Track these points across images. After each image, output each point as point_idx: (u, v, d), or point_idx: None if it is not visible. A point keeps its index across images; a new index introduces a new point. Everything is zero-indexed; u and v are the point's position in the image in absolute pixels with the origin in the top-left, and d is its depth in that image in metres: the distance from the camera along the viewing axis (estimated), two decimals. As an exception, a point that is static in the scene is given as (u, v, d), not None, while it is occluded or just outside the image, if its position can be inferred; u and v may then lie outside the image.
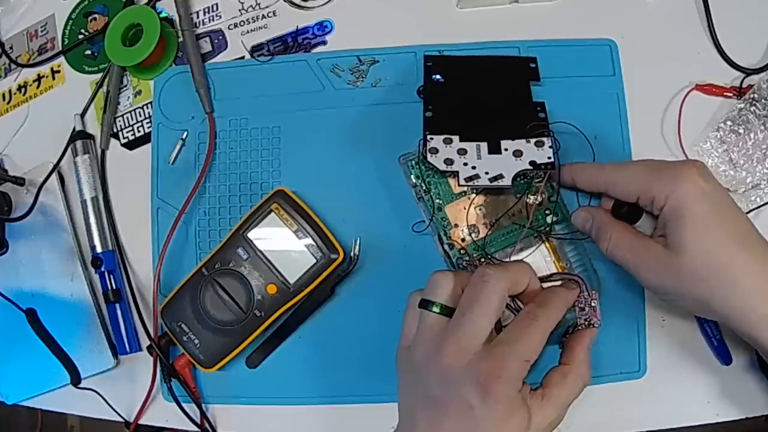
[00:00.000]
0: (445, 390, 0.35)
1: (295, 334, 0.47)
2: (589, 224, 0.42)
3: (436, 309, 0.37)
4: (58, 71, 0.57)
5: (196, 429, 0.47)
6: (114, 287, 0.50)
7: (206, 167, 0.49)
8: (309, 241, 0.45)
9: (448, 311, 0.37)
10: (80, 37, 0.57)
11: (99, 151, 0.53)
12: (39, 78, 0.57)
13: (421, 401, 0.36)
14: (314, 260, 0.45)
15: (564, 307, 0.39)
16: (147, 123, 0.53)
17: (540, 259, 0.44)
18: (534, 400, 0.36)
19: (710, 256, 0.35)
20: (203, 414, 0.47)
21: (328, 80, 0.50)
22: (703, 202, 0.35)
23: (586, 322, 0.40)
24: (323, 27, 0.52)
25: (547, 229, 0.44)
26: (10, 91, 0.58)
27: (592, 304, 0.40)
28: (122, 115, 0.54)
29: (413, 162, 0.45)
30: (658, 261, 0.37)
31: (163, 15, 0.55)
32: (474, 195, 0.44)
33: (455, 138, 0.42)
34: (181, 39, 0.53)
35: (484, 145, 0.42)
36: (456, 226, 0.44)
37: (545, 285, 0.41)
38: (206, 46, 0.53)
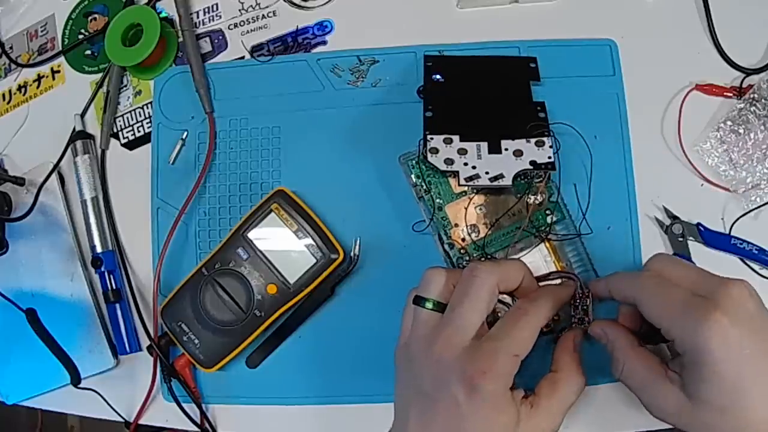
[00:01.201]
0: (436, 385, 0.35)
1: (295, 334, 0.47)
2: (604, 340, 0.38)
3: (429, 305, 0.37)
4: (58, 71, 0.57)
5: (196, 429, 0.47)
6: (114, 287, 0.50)
7: (206, 167, 0.49)
8: (309, 241, 0.45)
9: (441, 307, 0.37)
10: (80, 37, 0.57)
11: (99, 151, 0.53)
12: (39, 78, 0.57)
13: (414, 397, 0.36)
14: (314, 260, 0.45)
15: (555, 303, 0.38)
16: (147, 123, 0.53)
17: (539, 258, 0.44)
18: (523, 408, 0.35)
19: (730, 416, 0.31)
20: (203, 414, 0.47)
21: (328, 80, 0.50)
22: (728, 360, 0.31)
23: (579, 322, 0.40)
24: (323, 27, 0.52)
25: (547, 229, 0.44)
26: (10, 91, 0.58)
27: (586, 303, 0.40)
28: (122, 115, 0.54)
29: (413, 162, 0.45)
30: (671, 403, 0.34)
31: (163, 15, 0.55)
32: (474, 195, 0.44)
33: (455, 138, 0.42)
34: (181, 39, 0.53)
35: (484, 145, 0.42)
36: (456, 225, 0.44)
37: (542, 284, 0.41)
38: (206, 46, 0.53)
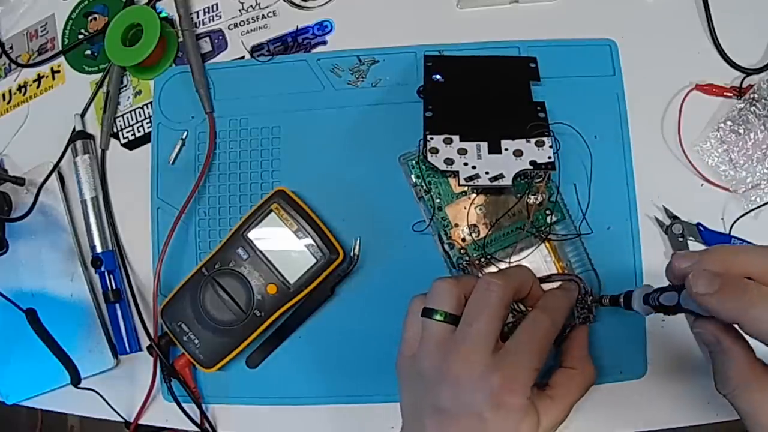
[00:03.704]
0: (456, 402, 0.34)
1: (295, 334, 0.47)
2: (714, 348, 0.33)
3: (439, 317, 0.37)
4: (58, 71, 0.57)
5: (196, 429, 0.47)
6: (114, 287, 0.50)
7: (206, 167, 0.49)
8: (309, 241, 0.45)
9: (451, 318, 0.37)
10: (80, 37, 0.57)
11: (99, 151, 0.53)
12: (39, 78, 0.57)
13: (429, 412, 0.36)
14: (314, 260, 0.45)
15: (567, 310, 0.39)
16: (147, 123, 0.53)
17: (540, 259, 0.44)
18: (542, 402, 0.36)
19: None
20: (203, 414, 0.47)
21: (328, 80, 0.50)
22: None
23: (584, 321, 0.40)
24: (323, 27, 0.52)
25: (547, 229, 0.44)
26: (10, 91, 0.58)
27: (589, 303, 0.40)
28: (122, 115, 0.54)
29: (413, 162, 0.45)
30: None
31: (163, 15, 0.55)
32: (474, 195, 0.44)
33: (455, 138, 0.42)
34: (181, 39, 0.53)
35: (484, 145, 0.42)
36: (456, 225, 0.44)
37: (544, 286, 0.41)
38: (206, 46, 0.53)
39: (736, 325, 0.30)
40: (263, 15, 0.53)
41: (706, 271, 0.30)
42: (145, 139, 0.53)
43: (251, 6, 0.54)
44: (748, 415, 0.31)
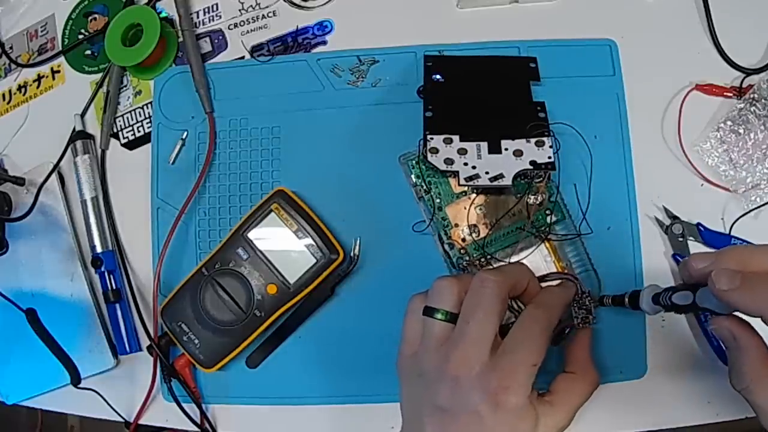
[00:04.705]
0: (455, 401, 0.34)
1: (295, 334, 0.47)
2: (730, 344, 0.33)
3: (440, 316, 0.36)
4: (58, 71, 0.57)
5: (196, 429, 0.47)
6: (114, 287, 0.50)
7: (206, 167, 0.49)
8: (309, 241, 0.45)
9: (452, 317, 0.36)
10: (80, 37, 0.57)
11: (99, 151, 0.53)
12: (39, 78, 0.57)
13: (429, 411, 0.36)
14: (314, 260, 0.45)
15: (563, 306, 0.39)
16: (147, 123, 0.53)
17: (540, 259, 0.44)
18: (542, 406, 0.35)
19: None
20: (203, 414, 0.47)
21: (328, 80, 0.50)
22: None
23: (583, 322, 0.40)
24: (323, 27, 0.52)
25: (547, 229, 0.44)
26: (10, 91, 0.58)
27: (587, 303, 0.40)
28: (122, 115, 0.54)
29: (413, 162, 0.45)
30: None
31: (163, 15, 0.55)
32: (474, 195, 0.44)
33: (455, 138, 0.42)
34: (181, 39, 0.53)
35: (484, 145, 0.42)
36: (456, 225, 0.44)
37: (543, 285, 0.41)
38: (206, 46, 0.53)
39: (754, 320, 0.31)
40: (263, 15, 0.53)
41: (726, 269, 0.31)
42: (145, 139, 0.53)
43: (251, 6, 0.54)
44: (762, 409, 0.32)
